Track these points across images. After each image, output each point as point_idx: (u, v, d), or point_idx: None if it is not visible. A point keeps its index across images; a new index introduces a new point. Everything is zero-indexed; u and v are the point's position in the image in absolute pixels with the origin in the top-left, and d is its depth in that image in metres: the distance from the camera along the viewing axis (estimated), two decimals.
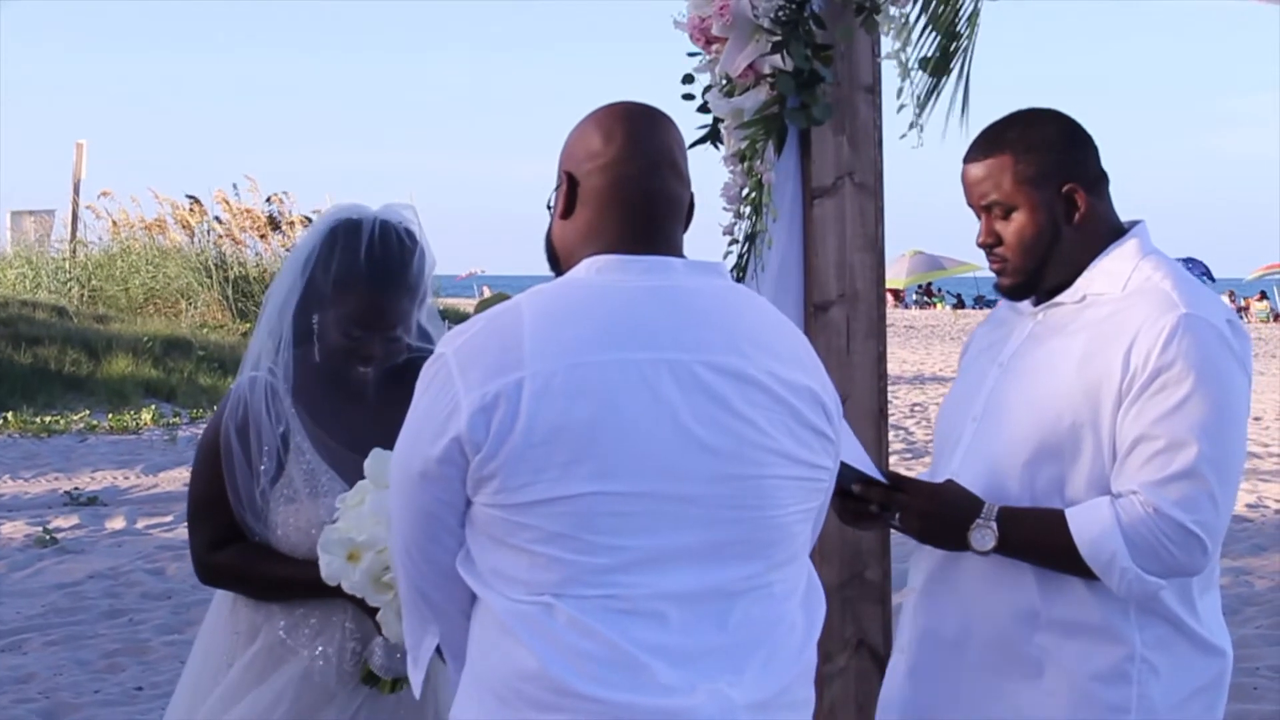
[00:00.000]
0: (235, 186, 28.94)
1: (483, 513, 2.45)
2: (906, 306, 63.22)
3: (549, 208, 2.68)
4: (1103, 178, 3.18)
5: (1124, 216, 3.17)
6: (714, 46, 4.18)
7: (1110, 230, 3.15)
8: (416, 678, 2.76)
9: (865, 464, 3.08)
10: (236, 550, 3.32)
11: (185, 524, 3.59)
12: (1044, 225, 3.10)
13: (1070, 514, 2.96)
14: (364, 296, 3.30)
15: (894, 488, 3.12)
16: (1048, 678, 3.05)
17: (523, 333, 2.43)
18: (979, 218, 3.19)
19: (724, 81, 4.19)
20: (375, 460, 3.11)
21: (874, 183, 4.22)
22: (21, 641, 8.26)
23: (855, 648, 4.21)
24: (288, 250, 26.87)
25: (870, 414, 4.21)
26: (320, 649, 3.27)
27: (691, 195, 2.69)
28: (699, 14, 4.16)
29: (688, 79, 4.31)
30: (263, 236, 28.36)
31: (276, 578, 3.27)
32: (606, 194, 2.59)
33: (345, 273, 3.30)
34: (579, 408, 2.38)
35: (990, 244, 3.17)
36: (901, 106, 4.03)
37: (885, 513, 3.13)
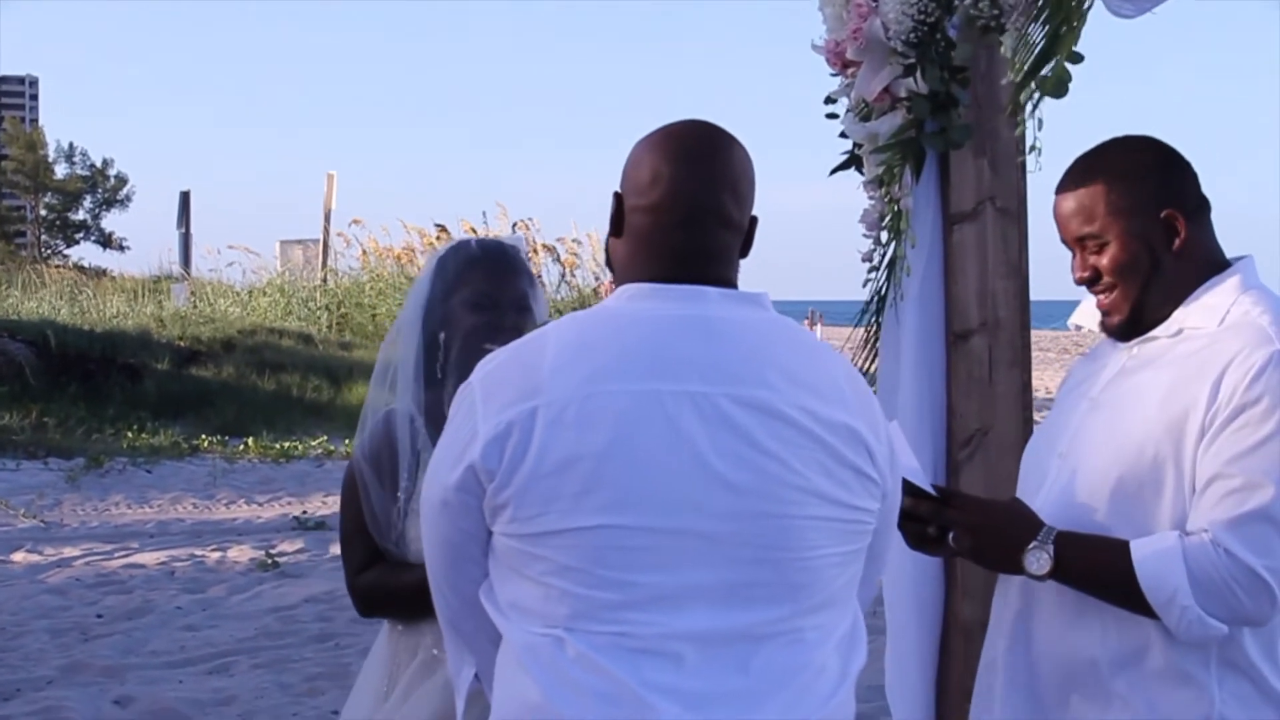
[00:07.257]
0: (484, 214, 29.57)
1: (501, 542, 2.44)
2: None
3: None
4: (1203, 205, 3.02)
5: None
6: (850, 70, 4.09)
7: (1211, 263, 3.00)
8: (459, 706, 2.78)
9: (916, 476, 2.98)
10: (378, 569, 3.47)
11: None
12: (1141, 255, 2.96)
13: (1135, 544, 2.81)
14: (484, 273, 3.52)
15: (943, 501, 3.02)
16: None
17: (544, 361, 2.40)
18: (1073, 252, 3.07)
19: (861, 105, 4.10)
20: None
21: (1017, 207, 4.07)
22: (230, 664, 8.52)
23: None
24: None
25: (1014, 446, 4.04)
26: None
27: (752, 220, 2.60)
28: (834, 37, 4.08)
29: (830, 100, 4.24)
30: None
31: (413, 585, 3.31)
32: (646, 236, 2.55)
33: (463, 265, 3.54)
34: (592, 438, 2.33)
35: (1089, 279, 3.04)
36: (1021, 129, 3.87)
37: (940, 530, 3.02)
